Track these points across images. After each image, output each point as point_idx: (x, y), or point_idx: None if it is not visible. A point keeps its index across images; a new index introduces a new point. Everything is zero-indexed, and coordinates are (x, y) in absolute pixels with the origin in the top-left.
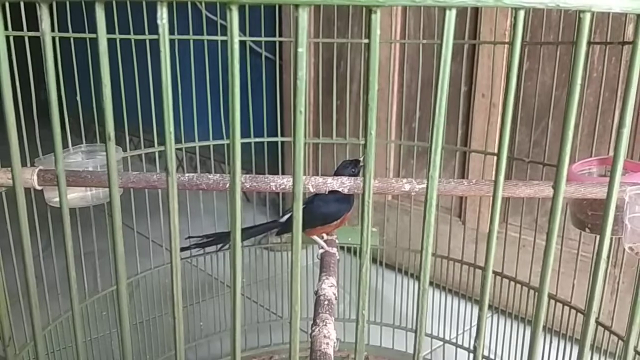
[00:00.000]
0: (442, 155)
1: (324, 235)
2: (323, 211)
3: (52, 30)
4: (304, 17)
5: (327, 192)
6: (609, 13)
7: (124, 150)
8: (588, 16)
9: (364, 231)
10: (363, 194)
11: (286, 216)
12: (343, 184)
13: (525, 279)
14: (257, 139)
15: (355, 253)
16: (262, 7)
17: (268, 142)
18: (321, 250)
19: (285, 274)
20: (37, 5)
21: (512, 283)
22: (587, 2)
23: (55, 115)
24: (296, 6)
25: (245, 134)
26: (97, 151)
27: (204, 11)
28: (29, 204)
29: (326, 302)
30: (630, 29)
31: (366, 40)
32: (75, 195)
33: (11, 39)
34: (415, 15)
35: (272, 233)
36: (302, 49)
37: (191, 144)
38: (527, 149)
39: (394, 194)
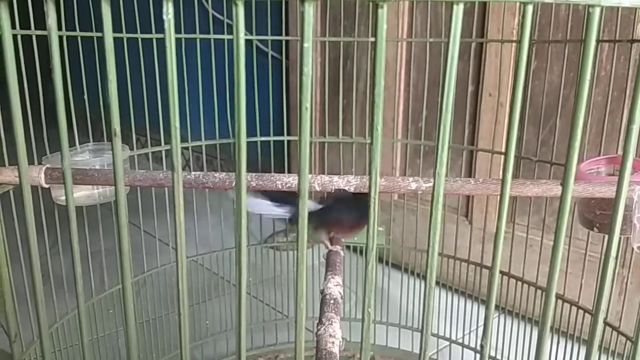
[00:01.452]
0: (449, 154)
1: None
2: (345, 216)
3: (60, 29)
4: (310, 11)
5: (347, 190)
6: (617, 10)
7: (131, 149)
8: (597, 11)
9: (370, 227)
10: (369, 191)
11: (320, 206)
12: (349, 182)
13: (533, 279)
14: (264, 138)
15: (361, 253)
16: (269, 5)
17: (274, 142)
18: (326, 250)
19: (291, 273)
20: (43, 0)
21: (519, 283)
22: None
23: (61, 109)
24: (302, 1)
25: (251, 133)
26: (104, 150)
27: (210, 10)
28: (37, 203)
29: (332, 301)
30: (639, 28)
31: (373, 39)
32: (83, 194)
33: (19, 37)
34: (422, 14)
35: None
36: (307, 44)
37: (198, 143)
38: (534, 148)
39: (400, 192)
